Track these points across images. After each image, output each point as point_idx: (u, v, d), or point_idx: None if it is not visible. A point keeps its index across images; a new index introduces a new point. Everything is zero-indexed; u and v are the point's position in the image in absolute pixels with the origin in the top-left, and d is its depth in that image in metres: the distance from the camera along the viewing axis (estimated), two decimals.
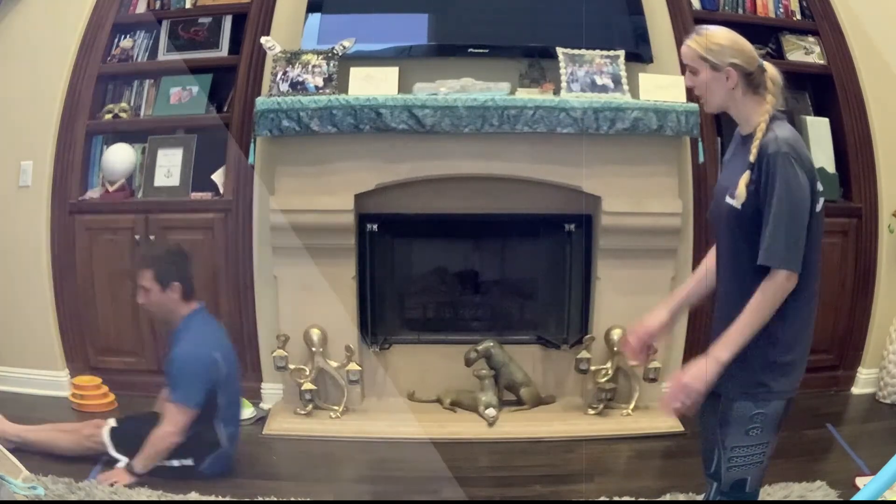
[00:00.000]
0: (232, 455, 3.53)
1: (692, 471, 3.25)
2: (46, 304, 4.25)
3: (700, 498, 3.18)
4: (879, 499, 2.32)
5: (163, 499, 3.25)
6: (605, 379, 4.04)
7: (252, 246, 4.18)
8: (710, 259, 2.36)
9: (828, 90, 4.33)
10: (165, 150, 4.31)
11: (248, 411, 4.02)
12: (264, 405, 4.18)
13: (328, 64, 3.92)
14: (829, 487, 3.29)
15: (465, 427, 3.98)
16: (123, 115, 4.32)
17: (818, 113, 4.40)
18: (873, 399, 4.33)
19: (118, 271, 4.21)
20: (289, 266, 4.05)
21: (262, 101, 3.89)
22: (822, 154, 4.24)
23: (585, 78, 3.94)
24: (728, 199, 2.18)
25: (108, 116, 4.31)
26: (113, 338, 4.29)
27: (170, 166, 4.29)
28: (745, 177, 2.12)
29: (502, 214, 4.21)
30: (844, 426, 4.01)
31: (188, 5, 4.32)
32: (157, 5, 4.34)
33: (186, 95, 4.32)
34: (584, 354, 4.07)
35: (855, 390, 4.41)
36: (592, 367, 4.06)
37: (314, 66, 3.91)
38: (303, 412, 4.01)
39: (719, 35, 2.17)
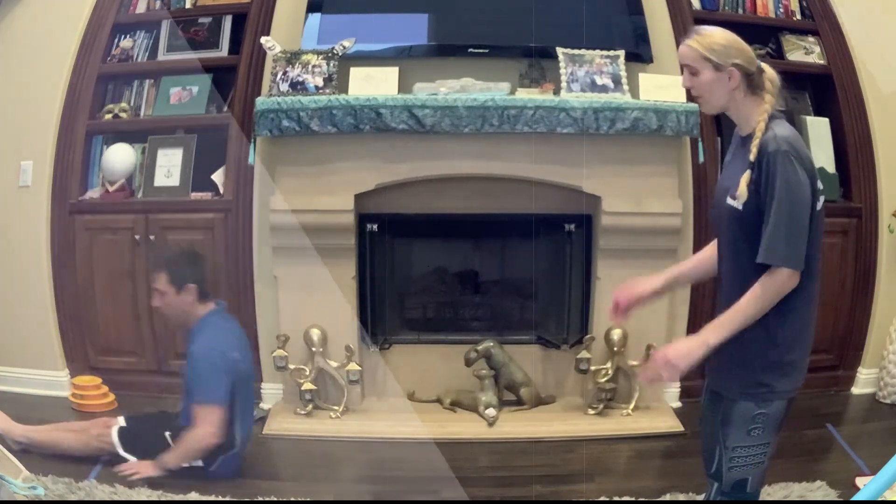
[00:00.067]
0: (242, 457, 3.53)
1: (692, 471, 3.26)
2: (46, 304, 4.25)
3: (700, 498, 3.18)
4: (879, 499, 2.32)
5: (163, 499, 3.25)
6: (605, 379, 4.04)
7: (252, 246, 4.17)
8: (713, 248, 2.36)
9: (828, 90, 4.33)
10: (165, 150, 4.31)
11: None
12: (264, 405, 4.18)
13: (328, 64, 3.92)
14: (829, 487, 3.29)
15: (465, 427, 3.98)
16: (123, 115, 4.32)
17: (818, 113, 4.40)
18: (873, 399, 4.33)
19: (118, 271, 4.22)
20: (289, 266, 4.05)
21: (262, 101, 3.89)
22: (822, 154, 4.25)
23: (585, 78, 3.95)
24: (729, 200, 2.18)
25: (108, 116, 4.31)
26: (113, 338, 4.29)
27: (170, 166, 4.29)
28: (745, 176, 2.12)
29: (502, 214, 4.21)
30: (844, 426, 4.01)
31: (188, 5, 4.32)
32: (157, 5, 4.34)
33: (186, 95, 4.32)
34: (584, 354, 4.07)
35: (855, 390, 4.41)
36: (592, 367, 4.06)
37: (314, 66, 3.91)
38: (303, 412, 4.01)
39: (720, 35, 2.17)
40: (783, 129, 2.13)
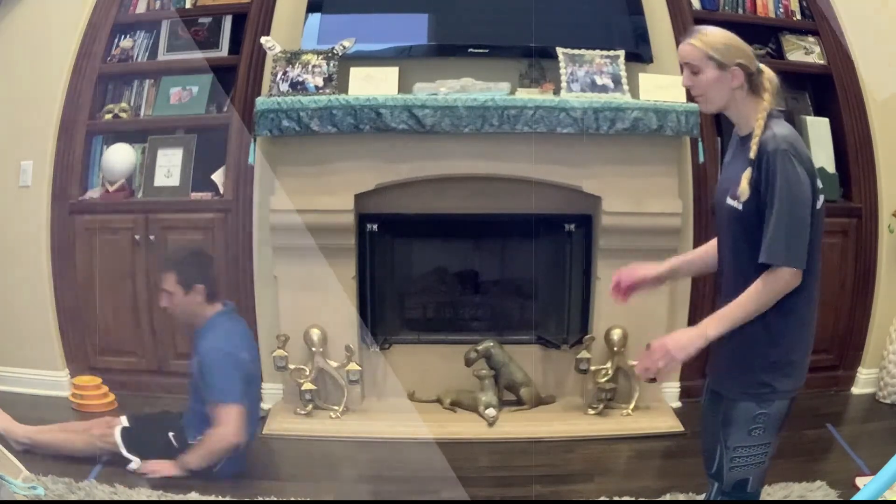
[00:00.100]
0: (246, 456, 3.52)
1: (692, 471, 3.26)
2: (46, 304, 4.25)
3: (700, 498, 3.18)
4: (879, 499, 2.32)
5: (163, 499, 3.25)
6: (605, 379, 4.04)
7: (252, 246, 4.17)
8: (714, 244, 2.37)
9: (828, 90, 4.33)
10: (165, 150, 4.31)
11: None
12: (264, 405, 4.17)
13: (328, 64, 3.92)
14: (829, 487, 3.30)
15: (465, 427, 3.98)
16: (123, 115, 4.32)
17: (818, 113, 4.40)
18: (873, 399, 4.33)
19: (118, 271, 4.22)
20: (289, 266, 4.05)
21: (262, 101, 3.89)
22: (822, 154, 4.24)
23: (585, 78, 3.95)
24: (728, 201, 2.18)
25: (108, 116, 4.31)
26: (113, 338, 4.29)
27: (170, 166, 4.29)
28: (746, 173, 2.11)
29: (502, 214, 4.21)
30: (844, 426, 4.01)
31: (188, 5, 4.32)
32: (157, 5, 4.34)
33: (186, 95, 4.32)
34: (584, 354, 4.07)
35: (855, 390, 4.41)
36: (592, 367, 4.06)
37: (314, 66, 3.91)
38: (303, 412, 4.01)
39: (723, 34, 2.18)
40: (782, 128, 2.13)
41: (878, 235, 4.31)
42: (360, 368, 4.03)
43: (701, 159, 4.03)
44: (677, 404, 4.24)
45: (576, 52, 3.98)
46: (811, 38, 4.35)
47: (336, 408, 4.03)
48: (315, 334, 4.00)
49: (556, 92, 3.95)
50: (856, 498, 2.46)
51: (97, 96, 4.30)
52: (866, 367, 4.39)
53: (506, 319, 4.48)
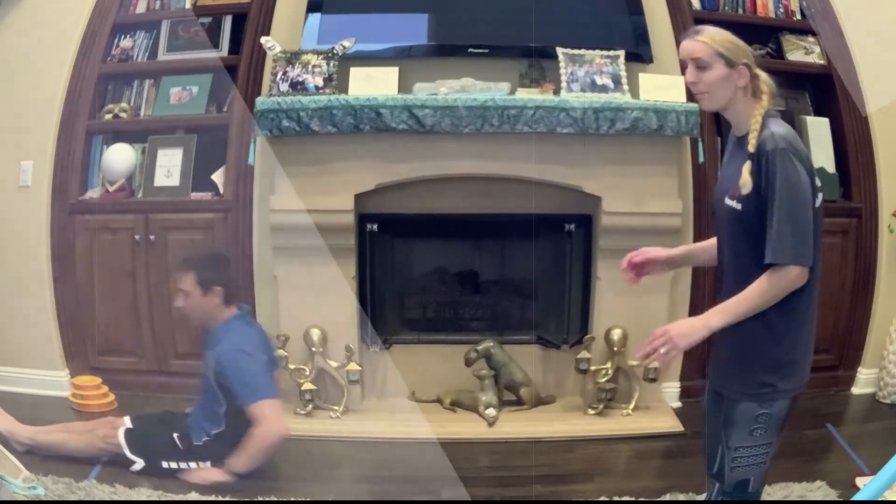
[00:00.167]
0: None
1: (692, 471, 3.26)
2: (46, 304, 4.25)
3: (700, 498, 3.18)
4: (879, 499, 2.32)
5: (163, 499, 3.25)
6: (605, 379, 4.04)
7: (252, 246, 4.18)
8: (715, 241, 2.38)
9: (828, 90, 4.33)
10: (165, 150, 4.31)
11: None
12: None
13: (328, 64, 3.92)
14: (829, 487, 3.30)
15: (465, 427, 3.98)
16: (123, 115, 4.32)
17: (818, 113, 4.40)
18: (873, 399, 4.33)
19: (118, 271, 4.22)
20: (289, 266, 4.05)
21: (262, 101, 3.89)
22: (822, 154, 4.25)
23: (585, 78, 3.94)
24: (728, 201, 2.19)
25: (108, 116, 4.31)
26: (113, 338, 4.29)
27: (170, 166, 4.29)
28: (746, 165, 2.12)
29: (502, 214, 4.21)
30: (844, 426, 4.01)
31: (188, 5, 4.32)
32: (157, 5, 4.34)
33: (186, 95, 4.32)
34: (584, 354, 4.07)
35: (855, 390, 4.41)
36: (592, 367, 4.07)
37: (314, 66, 3.91)
38: (303, 412, 4.01)
39: (728, 34, 2.19)
40: (779, 126, 2.14)
41: (878, 235, 4.31)
42: (360, 368, 4.03)
43: (701, 159, 4.03)
44: (677, 404, 4.24)
45: (576, 52, 3.98)
46: (811, 38, 4.35)
47: (336, 408, 4.03)
48: (315, 334, 4.00)
49: (556, 92, 3.95)
50: (856, 498, 2.46)
51: (97, 96, 4.30)
52: (866, 367, 4.39)
53: (506, 319, 4.48)
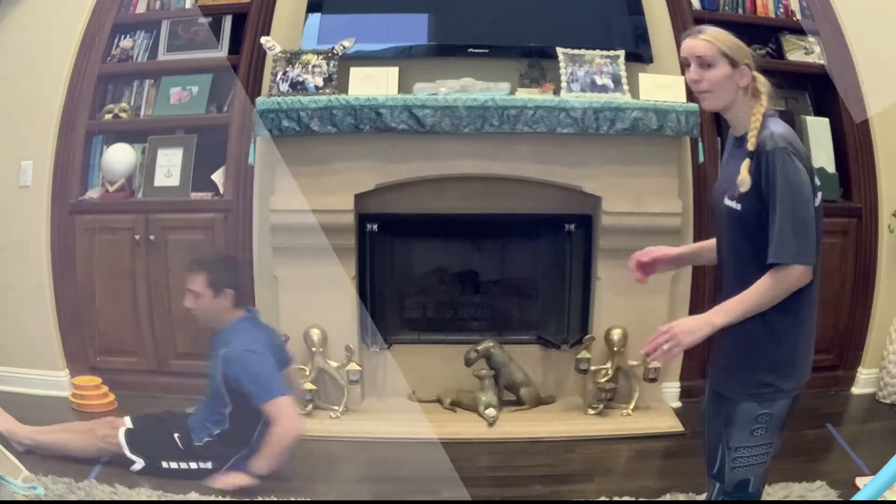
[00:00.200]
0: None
1: (692, 471, 3.26)
2: (46, 304, 4.25)
3: (700, 498, 3.18)
4: (879, 499, 2.32)
5: (163, 499, 3.25)
6: (605, 379, 4.04)
7: (252, 246, 4.18)
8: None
9: (828, 90, 4.32)
10: (165, 150, 4.31)
11: None
12: None
13: (328, 64, 3.92)
14: (829, 487, 3.30)
15: (465, 427, 3.98)
16: (123, 115, 4.32)
17: (818, 113, 4.40)
18: (873, 399, 4.33)
19: (118, 271, 4.22)
20: (289, 266, 4.05)
21: (262, 101, 3.89)
22: (822, 154, 4.25)
23: (585, 78, 3.94)
24: (727, 202, 2.19)
25: (108, 116, 4.31)
26: (113, 338, 4.29)
27: (170, 166, 4.29)
28: (745, 163, 2.12)
29: (502, 214, 4.21)
30: (844, 426, 4.01)
31: (188, 5, 4.32)
32: (157, 5, 4.34)
33: (186, 95, 4.32)
34: (584, 354, 4.07)
35: (855, 390, 4.41)
36: (592, 367, 4.07)
37: (314, 66, 3.91)
38: (303, 412, 4.01)
39: (730, 34, 2.19)
40: (778, 126, 2.14)
41: (878, 235, 4.31)
42: (360, 368, 4.03)
43: (701, 159, 4.03)
44: (677, 404, 4.24)
45: (576, 52, 3.98)
46: (811, 38, 4.35)
47: (336, 408, 4.03)
48: (315, 334, 4.00)
49: (556, 92, 3.95)
50: (856, 498, 2.46)
51: (97, 96, 4.30)
52: (866, 367, 4.39)
53: (506, 319, 4.48)
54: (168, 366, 4.28)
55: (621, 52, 3.99)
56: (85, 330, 4.28)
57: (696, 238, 4.10)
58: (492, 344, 4.11)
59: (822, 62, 4.31)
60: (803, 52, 4.34)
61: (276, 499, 3.28)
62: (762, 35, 4.28)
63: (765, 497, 2.81)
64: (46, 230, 4.22)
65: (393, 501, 3.44)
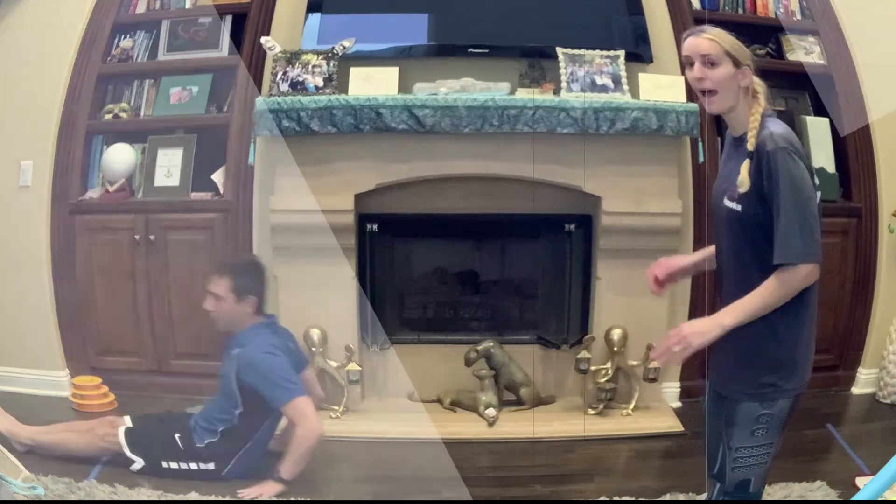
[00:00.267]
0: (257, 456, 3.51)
1: (692, 471, 3.26)
2: (46, 304, 4.25)
3: (700, 498, 3.18)
4: (879, 499, 2.32)
5: (163, 499, 3.25)
6: (605, 379, 4.04)
7: (252, 246, 4.17)
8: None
9: (828, 90, 4.32)
10: (165, 150, 4.31)
11: None
12: None
13: (328, 64, 3.92)
14: (829, 487, 3.30)
15: (465, 427, 3.98)
16: (123, 115, 4.32)
17: (818, 113, 4.39)
18: (873, 399, 4.33)
19: (118, 271, 4.22)
20: (289, 266, 4.05)
21: (262, 101, 3.89)
22: (822, 154, 4.24)
23: (585, 78, 3.95)
24: (727, 202, 2.19)
25: (108, 116, 4.31)
26: (113, 338, 4.29)
27: (170, 166, 4.29)
28: (745, 164, 2.12)
29: (502, 214, 4.21)
30: (844, 426, 4.01)
31: (188, 5, 4.32)
32: (157, 5, 4.34)
33: (186, 95, 4.32)
34: (584, 354, 4.07)
35: (855, 390, 4.41)
36: (592, 367, 4.06)
37: (314, 66, 3.91)
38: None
39: (731, 35, 2.19)
40: (777, 126, 2.14)
41: (878, 235, 4.31)
42: (360, 368, 4.03)
43: (701, 159, 4.03)
44: (677, 404, 4.24)
45: (576, 52, 3.98)
46: (811, 38, 4.35)
47: (336, 408, 4.03)
48: (315, 334, 4.00)
49: (556, 92, 3.95)
50: (856, 498, 2.46)
51: (97, 96, 4.30)
52: (866, 367, 4.39)
53: (506, 319, 4.48)
54: (168, 366, 4.28)
55: (621, 52, 3.99)
56: (85, 330, 4.29)
57: (696, 238, 4.11)
58: (492, 344, 4.11)
59: (822, 62, 4.31)
60: (803, 52, 4.33)
61: (276, 499, 3.28)
62: (762, 35, 4.28)
63: (765, 497, 2.81)
64: (46, 230, 4.22)
65: (393, 501, 3.44)
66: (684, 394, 4.26)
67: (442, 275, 4.57)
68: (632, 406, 4.07)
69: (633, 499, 3.28)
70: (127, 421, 3.56)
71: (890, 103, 4.24)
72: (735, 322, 2.10)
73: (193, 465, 3.42)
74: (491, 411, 4.01)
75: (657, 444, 3.88)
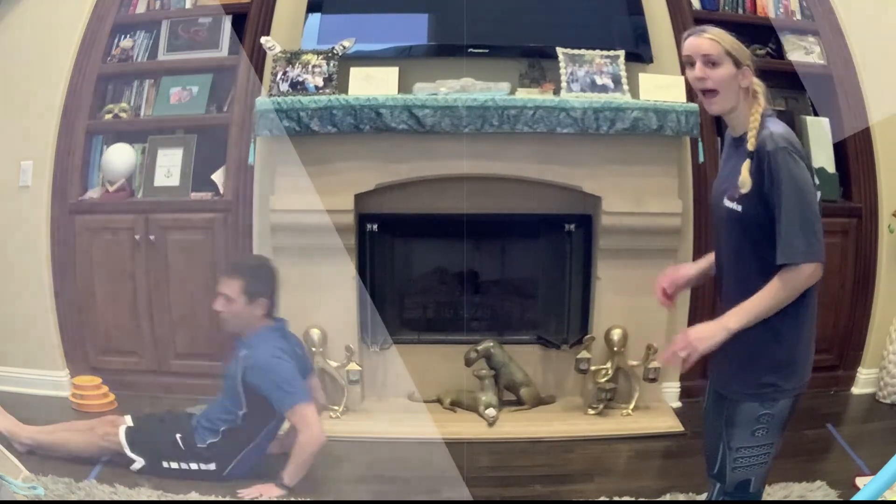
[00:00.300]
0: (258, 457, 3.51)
1: (692, 471, 3.27)
2: (46, 304, 4.25)
3: (700, 498, 3.18)
4: (879, 499, 2.32)
5: (163, 499, 3.25)
6: (605, 379, 4.04)
7: (252, 246, 4.17)
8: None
9: (828, 90, 4.32)
10: (165, 150, 4.31)
11: None
12: None
13: (328, 64, 3.92)
14: (829, 487, 3.30)
15: (465, 427, 3.98)
16: (123, 115, 4.32)
17: (818, 113, 4.39)
18: (873, 399, 4.33)
19: (118, 271, 4.22)
20: (289, 266, 4.03)
21: (262, 101, 3.89)
22: (822, 154, 4.24)
23: (585, 78, 3.95)
24: (727, 202, 2.19)
25: (108, 116, 4.31)
26: (113, 338, 4.29)
27: (170, 166, 4.29)
28: (746, 164, 2.12)
29: (502, 214, 4.21)
30: (844, 426, 4.01)
31: (188, 5, 4.32)
32: (157, 5, 4.34)
33: (186, 95, 4.32)
34: (584, 354, 4.07)
35: (855, 390, 4.41)
36: (592, 367, 4.06)
37: (314, 66, 3.91)
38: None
39: (731, 35, 2.19)
40: (777, 126, 2.15)
41: (878, 235, 4.31)
42: (360, 368, 4.03)
43: (701, 159, 4.03)
44: (677, 404, 4.24)
45: (576, 52, 3.98)
46: (811, 38, 4.35)
47: (336, 408, 4.03)
48: (315, 334, 4.00)
49: (556, 92, 3.95)
50: (856, 498, 2.46)
51: (97, 96, 4.30)
52: (866, 367, 4.39)
53: (506, 319, 4.48)
54: (168, 366, 4.28)
55: (621, 52, 3.99)
56: (85, 330, 4.28)
57: (696, 238, 4.12)
58: (492, 344, 4.11)
59: (822, 62, 4.31)
60: (803, 52, 4.33)
61: (276, 499, 3.28)
62: (762, 35, 4.28)
63: (765, 497, 2.81)
64: (46, 230, 4.22)
65: (393, 501, 3.44)
66: (684, 394, 4.26)
67: (442, 275, 4.57)
68: (632, 406, 4.07)
69: (633, 499, 3.28)
70: (128, 420, 3.55)
71: (890, 104, 4.24)
72: (740, 325, 2.10)
73: (194, 466, 3.42)
74: (491, 411, 4.01)
75: (657, 444, 3.88)
